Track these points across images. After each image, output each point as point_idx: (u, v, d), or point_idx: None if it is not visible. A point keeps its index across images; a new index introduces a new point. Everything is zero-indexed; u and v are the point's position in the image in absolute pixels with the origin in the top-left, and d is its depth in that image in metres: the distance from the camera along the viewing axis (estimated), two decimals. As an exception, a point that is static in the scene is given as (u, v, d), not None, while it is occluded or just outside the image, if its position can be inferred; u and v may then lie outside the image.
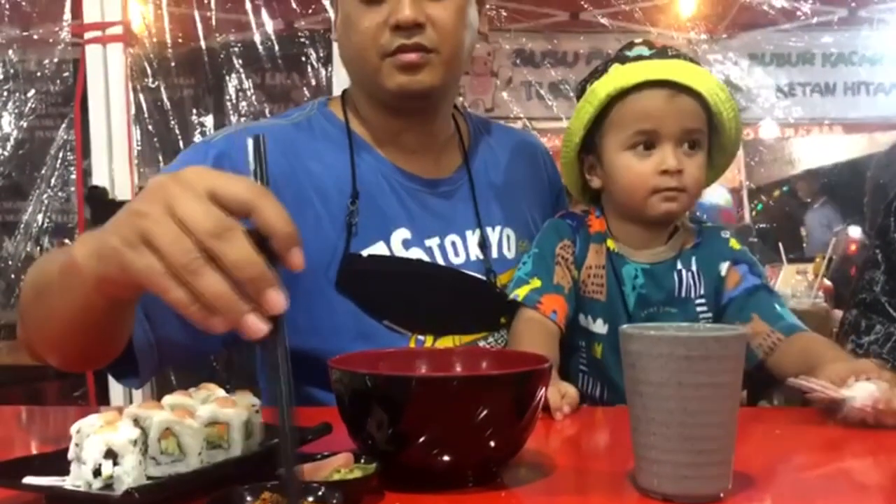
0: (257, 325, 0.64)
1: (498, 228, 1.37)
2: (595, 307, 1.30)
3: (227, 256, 0.63)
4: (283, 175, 1.16)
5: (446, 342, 1.28)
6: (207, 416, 0.78)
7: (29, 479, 0.71)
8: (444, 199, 1.32)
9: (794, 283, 2.92)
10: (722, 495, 0.70)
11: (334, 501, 0.63)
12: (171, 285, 0.64)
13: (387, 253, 1.26)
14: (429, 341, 1.27)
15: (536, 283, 1.29)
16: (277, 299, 0.64)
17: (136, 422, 0.77)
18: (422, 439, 0.71)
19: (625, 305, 1.28)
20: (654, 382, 0.69)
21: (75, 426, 0.73)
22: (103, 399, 2.25)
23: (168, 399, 0.82)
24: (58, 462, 0.73)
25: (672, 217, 1.27)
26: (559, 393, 1.06)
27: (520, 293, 1.28)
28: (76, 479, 0.69)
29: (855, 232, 4.89)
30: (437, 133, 1.33)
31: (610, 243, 1.30)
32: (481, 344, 1.30)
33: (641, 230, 1.29)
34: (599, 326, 1.29)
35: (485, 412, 0.71)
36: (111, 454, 0.67)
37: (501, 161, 1.42)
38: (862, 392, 0.94)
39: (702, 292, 1.29)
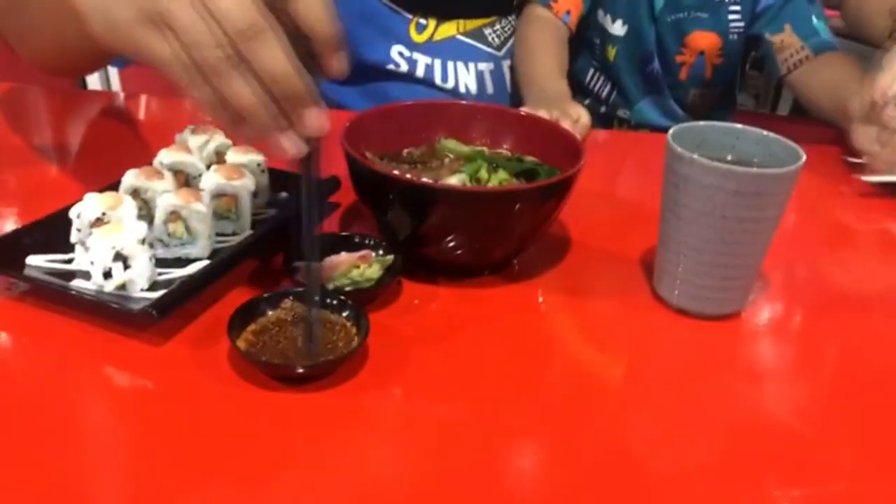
0: (293, 145, 0.54)
1: None
2: (617, 5, 1.18)
3: (258, 64, 0.51)
4: None
5: (450, 28, 1.18)
6: (213, 189, 0.73)
7: (32, 260, 0.67)
8: None
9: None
10: (739, 313, 0.71)
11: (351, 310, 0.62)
12: (197, 82, 0.53)
13: None
14: (431, 25, 1.17)
15: None
16: (317, 121, 0.54)
17: (137, 193, 0.72)
18: (441, 241, 0.69)
19: (651, 6, 1.16)
20: (696, 210, 0.65)
21: (74, 210, 0.68)
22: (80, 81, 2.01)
23: (164, 158, 0.76)
24: (55, 233, 0.69)
25: None
26: (571, 119, 1.01)
27: (535, -17, 1.15)
28: (83, 266, 0.66)
29: None
30: None
31: None
32: (486, 32, 1.20)
33: None
34: (618, 28, 1.18)
35: (510, 221, 0.68)
36: (120, 257, 0.64)
37: None
38: None
39: None
